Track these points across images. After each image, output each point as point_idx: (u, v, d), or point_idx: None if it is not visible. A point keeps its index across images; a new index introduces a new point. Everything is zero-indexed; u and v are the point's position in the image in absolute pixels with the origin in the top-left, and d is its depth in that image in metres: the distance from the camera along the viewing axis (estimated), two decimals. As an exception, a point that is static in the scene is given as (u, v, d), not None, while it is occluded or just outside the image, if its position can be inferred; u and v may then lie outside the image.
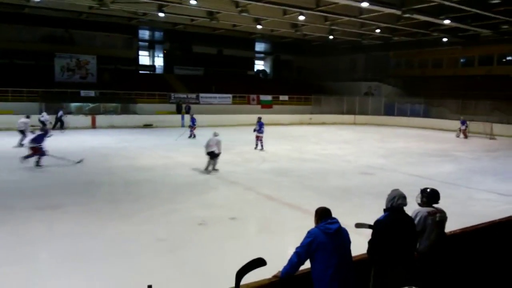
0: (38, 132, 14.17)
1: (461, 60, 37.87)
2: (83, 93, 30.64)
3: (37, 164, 13.37)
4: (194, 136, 22.34)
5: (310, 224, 4.14)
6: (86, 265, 6.02)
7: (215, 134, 13.55)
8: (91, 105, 30.03)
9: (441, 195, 4.73)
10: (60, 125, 25.43)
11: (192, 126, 22.86)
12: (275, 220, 8.58)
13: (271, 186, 11.51)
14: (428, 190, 4.72)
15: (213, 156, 13.31)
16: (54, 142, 19.06)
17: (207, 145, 13.31)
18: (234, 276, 3.11)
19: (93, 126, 27.29)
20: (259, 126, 18.55)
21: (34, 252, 6.49)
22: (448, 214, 4.70)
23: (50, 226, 7.60)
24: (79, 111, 28.61)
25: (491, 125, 26.58)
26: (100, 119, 27.87)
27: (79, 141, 20.43)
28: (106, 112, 29.32)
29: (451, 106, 32.63)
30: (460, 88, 32.84)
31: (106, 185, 11.37)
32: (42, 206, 8.93)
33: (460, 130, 25.87)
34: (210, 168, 13.36)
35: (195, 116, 23.66)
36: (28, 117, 19.20)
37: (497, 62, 34.68)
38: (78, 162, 14.05)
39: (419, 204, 4.70)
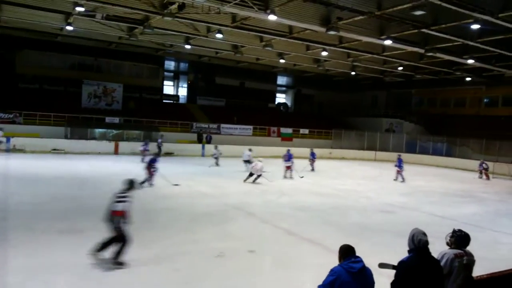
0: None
1: (485, 100, 37.55)
2: (108, 119, 31.39)
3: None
4: (313, 169, 23.79)
5: (330, 261, 4.08)
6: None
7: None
8: (115, 131, 30.64)
9: (465, 237, 4.59)
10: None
11: (312, 159, 24.29)
12: (294, 255, 8.44)
13: (289, 220, 11.37)
14: (459, 232, 4.56)
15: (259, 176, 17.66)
16: (76, 167, 19.46)
17: (258, 169, 17.49)
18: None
19: (116, 152, 27.75)
20: (399, 162, 21.39)
21: (52, 278, 6.49)
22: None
23: (70, 251, 7.63)
24: (102, 137, 29.18)
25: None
26: (123, 145, 28.36)
27: (102, 166, 20.75)
28: (129, 139, 29.86)
29: (474, 146, 32.14)
30: (483, 128, 32.43)
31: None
32: (63, 229, 9.02)
33: (480, 172, 25.22)
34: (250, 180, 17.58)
35: (314, 150, 25.50)
36: (250, 149, 21.56)
37: (522, 103, 34.27)
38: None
39: (447, 244, 4.59)
